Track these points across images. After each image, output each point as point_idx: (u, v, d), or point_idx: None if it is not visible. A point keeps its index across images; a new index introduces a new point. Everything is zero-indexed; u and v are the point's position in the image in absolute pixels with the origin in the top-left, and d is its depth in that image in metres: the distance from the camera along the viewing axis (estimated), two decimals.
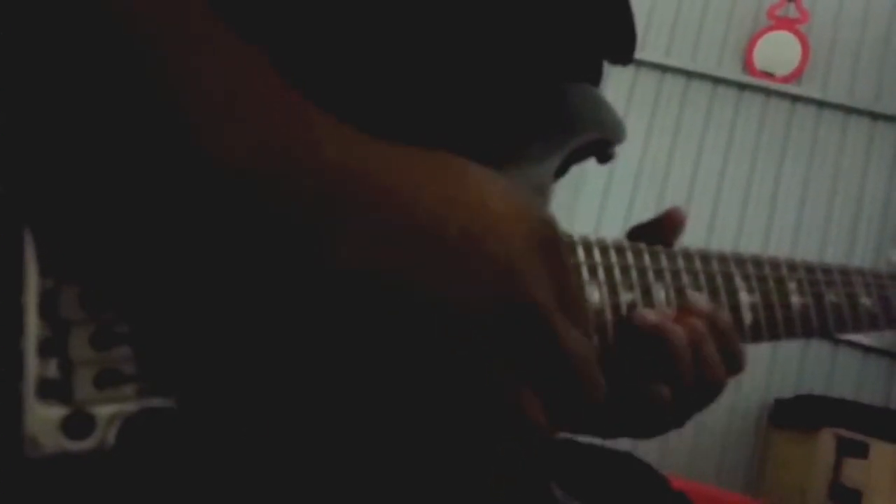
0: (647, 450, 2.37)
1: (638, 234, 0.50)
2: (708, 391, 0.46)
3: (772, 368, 2.86)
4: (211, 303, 0.29)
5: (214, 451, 0.31)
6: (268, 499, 0.31)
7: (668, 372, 0.44)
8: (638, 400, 0.44)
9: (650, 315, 0.45)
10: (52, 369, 0.29)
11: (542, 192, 0.47)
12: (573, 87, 0.51)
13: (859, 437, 2.41)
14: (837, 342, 2.88)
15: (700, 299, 0.47)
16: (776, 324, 0.52)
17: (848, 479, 2.40)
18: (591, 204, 2.95)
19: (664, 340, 0.44)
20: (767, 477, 2.76)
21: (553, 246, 0.34)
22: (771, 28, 3.05)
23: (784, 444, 2.71)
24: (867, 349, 2.88)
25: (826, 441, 2.45)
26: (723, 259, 0.50)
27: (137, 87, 0.27)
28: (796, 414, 2.66)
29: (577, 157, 0.51)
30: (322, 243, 0.29)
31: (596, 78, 0.54)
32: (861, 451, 2.39)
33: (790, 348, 2.88)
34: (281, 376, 0.30)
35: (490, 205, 0.33)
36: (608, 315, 0.44)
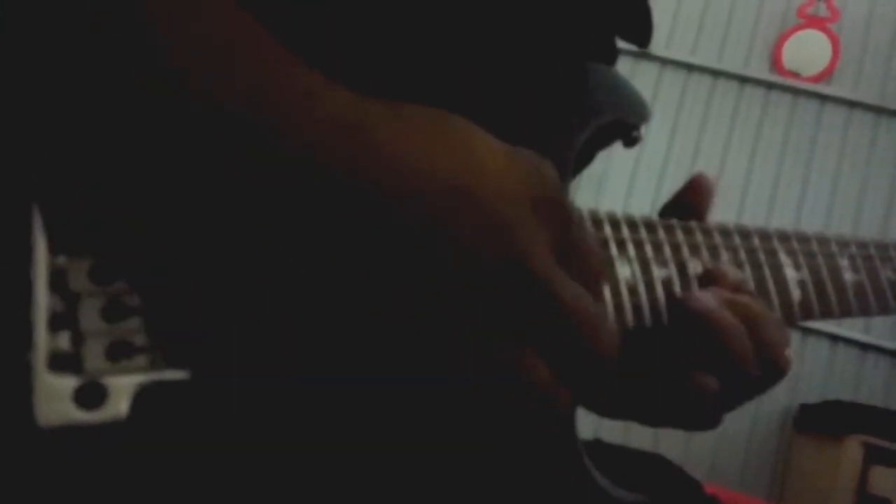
0: (668, 453, 2.35)
1: (667, 212, 0.48)
2: (772, 376, 0.43)
3: (798, 373, 2.82)
4: (210, 257, 0.29)
5: (226, 422, 0.30)
6: (279, 473, 0.31)
7: (721, 363, 0.42)
8: (676, 386, 0.42)
9: (704, 299, 0.42)
10: (65, 342, 0.29)
11: (561, 177, 0.45)
12: (590, 67, 0.50)
13: (888, 444, 2.38)
14: (865, 348, 2.83)
15: (734, 272, 0.44)
16: (829, 300, 0.49)
17: (876, 487, 2.36)
18: (615, 205, 2.91)
19: (715, 331, 0.41)
20: (792, 484, 2.73)
21: (551, 201, 0.33)
22: (800, 27, 3.01)
23: (809, 450, 2.68)
24: None
25: (853, 448, 2.42)
26: (764, 235, 0.48)
27: (130, 40, 0.27)
28: (822, 420, 2.63)
29: (601, 141, 0.49)
30: (307, 195, 0.29)
31: (610, 58, 0.53)
32: (890, 459, 2.35)
33: (817, 353, 2.83)
34: (281, 326, 0.30)
35: (482, 159, 0.32)
36: (642, 291, 0.42)
